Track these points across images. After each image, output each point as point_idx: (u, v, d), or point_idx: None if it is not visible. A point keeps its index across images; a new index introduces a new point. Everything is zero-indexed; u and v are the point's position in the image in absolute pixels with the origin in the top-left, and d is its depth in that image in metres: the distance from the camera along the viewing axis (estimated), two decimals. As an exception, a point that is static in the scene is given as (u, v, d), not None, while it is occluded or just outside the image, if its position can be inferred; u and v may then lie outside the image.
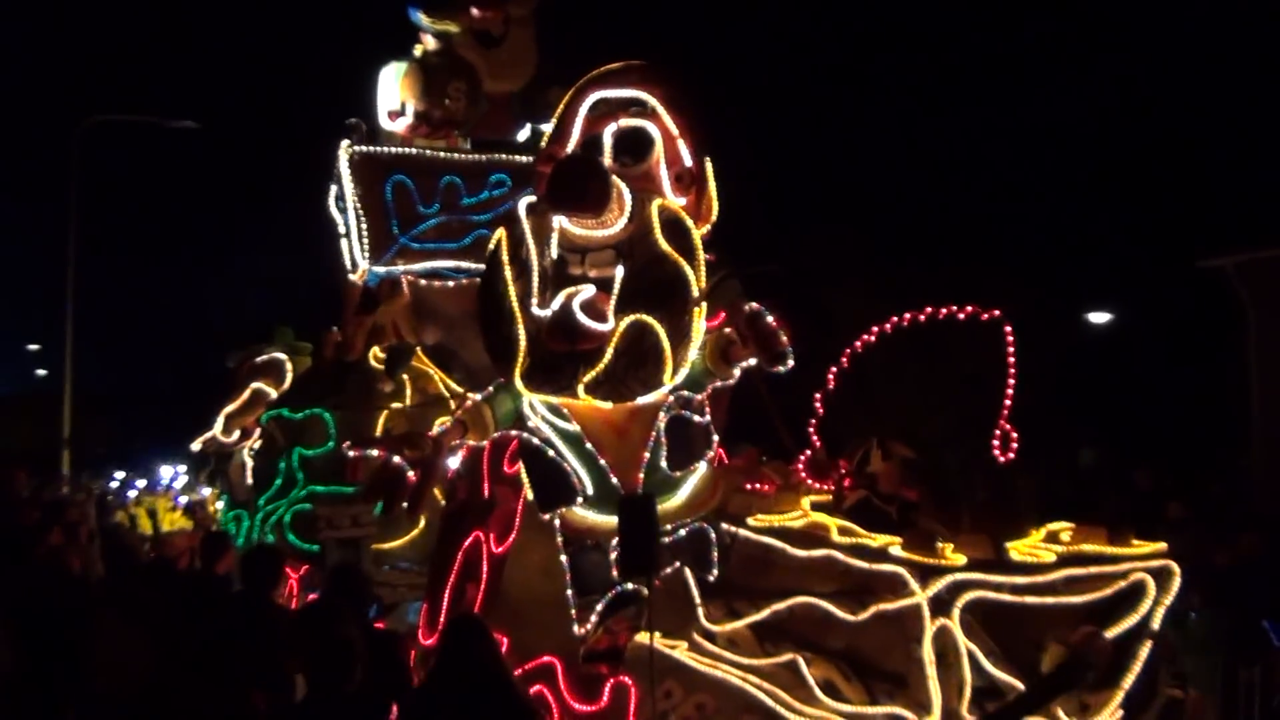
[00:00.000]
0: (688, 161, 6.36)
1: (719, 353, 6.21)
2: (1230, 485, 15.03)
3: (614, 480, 6.28)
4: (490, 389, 6.58)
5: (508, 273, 6.13)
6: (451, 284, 9.86)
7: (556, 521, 6.63)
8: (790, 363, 5.78)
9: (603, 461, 6.30)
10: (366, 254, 9.66)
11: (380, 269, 9.74)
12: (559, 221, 6.04)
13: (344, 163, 9.59)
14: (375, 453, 5.93)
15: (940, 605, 5.84)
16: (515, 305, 6.08)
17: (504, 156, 10.05)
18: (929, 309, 6.72)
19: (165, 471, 25.66)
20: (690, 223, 6.24)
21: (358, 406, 11.70)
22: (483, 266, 10.34)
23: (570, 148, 6.38)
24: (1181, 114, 24.46)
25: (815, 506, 7.24)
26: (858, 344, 7.07)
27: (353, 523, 11.31)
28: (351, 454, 6.00)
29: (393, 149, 9.91)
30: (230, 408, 13.74)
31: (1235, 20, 24.55)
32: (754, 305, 5.81)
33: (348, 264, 10.46)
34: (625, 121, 6.30)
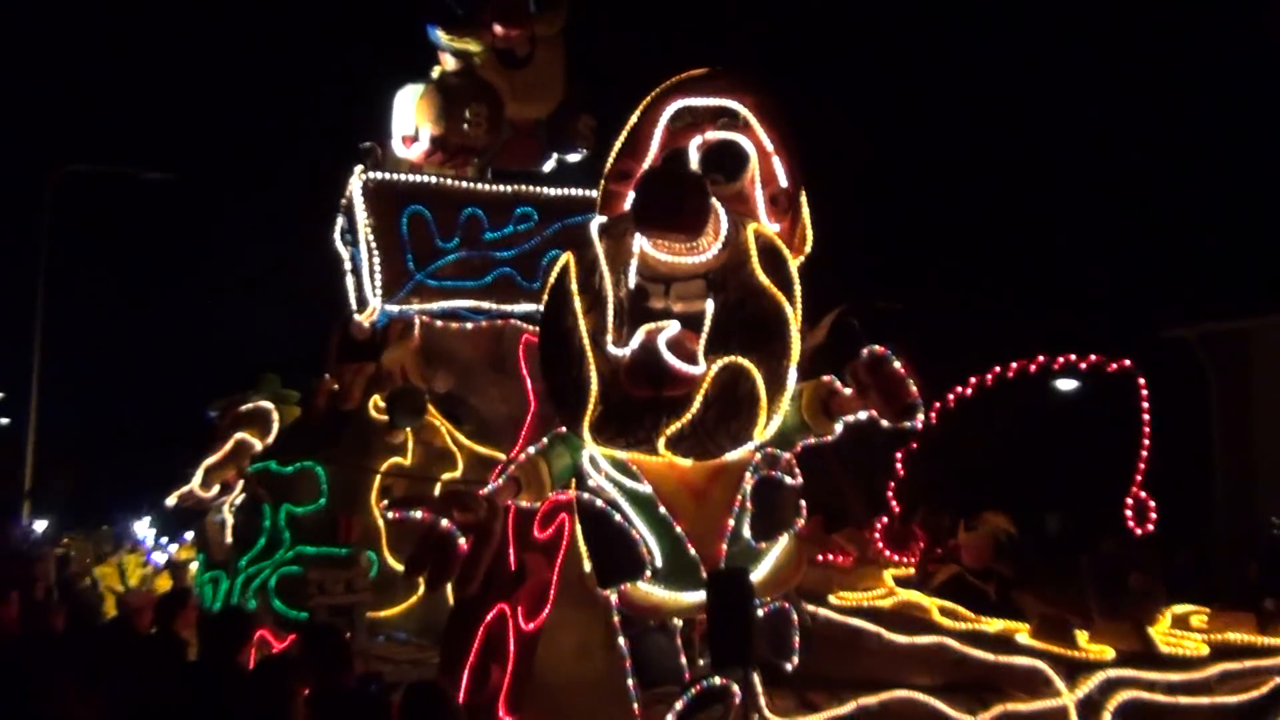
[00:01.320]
0: (783, 182, 5.40)
1: (818, 403, 5.23)
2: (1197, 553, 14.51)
3: (691, 552, 5.25)
4: (544, 441, 5.56)
5: (577, 304, 5.13)
6: (470, 326, 8.82)
7: (613, 598, 5.57)
8: (920, 417, 4.80)
9: (679, 529, 5.26)
10: (379, 291, 8.62)
11: (394, 308, 8.70)
12: (640, 245, 5.06)
13: (357, 190, 8.58)
14: (419, 515, 4.86)
15: (1090, 708, 4.85)
16: (587, 342, 5.08)
17: (530, 188, 9.06)
18: (1041, 358, 5.77)
19: (138, 527, 24.14)
20: (788, 252, 5.28)
21: (355, 460, 10.61)
22: (504, 307, 9.54)
23: (649, 161, 5.41)
24: (1145, 184, 24.14)
25: (898, 583, 6.27)
26: (950, 397, 6.10)
27: (346, 588, 10.16)
28: (391, 515, 4.90)
29: (411, 177, 8.89)
30: (211, 460, 12.54)
31: (1198, 95, 24.45)
32: (877, 348, 4.83)
33: (354, 303, 9.40)
34: (714, 134, 5.34)
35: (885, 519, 6.34)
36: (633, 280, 5.10)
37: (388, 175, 8.80)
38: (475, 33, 8.79)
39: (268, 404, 12.88)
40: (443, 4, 9.13)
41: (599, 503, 5.39)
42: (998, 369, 5.65)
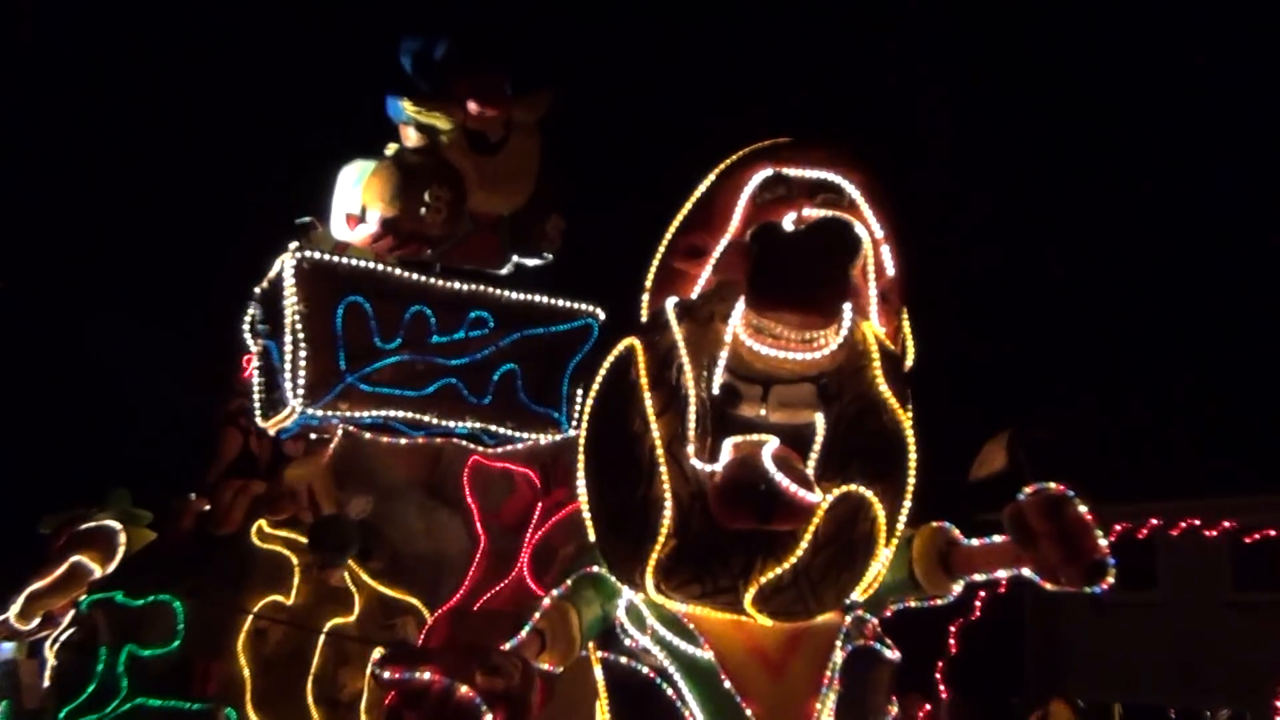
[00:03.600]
0: (890, 274, 4.28)
1: (935, 556, 4.01)
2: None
3: (766, 745, 3.87)
4: (569, 584, 4.15)
5: (648, 403, 3.82)
6: (404, 442, 7.30)
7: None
8: (1110, 580, 3.61)
9: (748, 712, 3.88)
10: (301, 392, 7.04)
11: (317, 412, 7.11)
12: (735, 332, 3.82)
13: (289, 270, 7.07)
14: (426, 676, 3.35)
15: None
16: (661, 453, 3.76)
17: (489, 290, 7.71)
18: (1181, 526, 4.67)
19: None
20: (903, 362, 4.14)
21: (224, 595, 8.73)
22: (446, 424, 8.02)
23: (730, 236, 4.21)
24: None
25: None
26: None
27: (202, 756, 8.16)
28: (386, 675, 3.34)
29: (355, 261, 7.43)
30: (38, 585, 10.41)
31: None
32: (1052, 486, 3.66)
33: (257, 407, 7.75)
34: (814, 211, 4.20)
35: (928, 706, 5.05)
36: (720, 378, 3.84)
37: (327, 256, 7.34)
38: (446, 107, 7.55)
39: (114, 523, 10.87)
40: (406, 75, 7.89)
41: (644, 671, 3.97)
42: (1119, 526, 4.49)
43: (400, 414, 7.23)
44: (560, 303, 7.97)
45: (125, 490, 11.34)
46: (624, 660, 4.04)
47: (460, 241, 7.73)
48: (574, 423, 8.03)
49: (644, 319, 4.35)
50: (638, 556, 3.78)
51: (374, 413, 7.17)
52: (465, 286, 7.63)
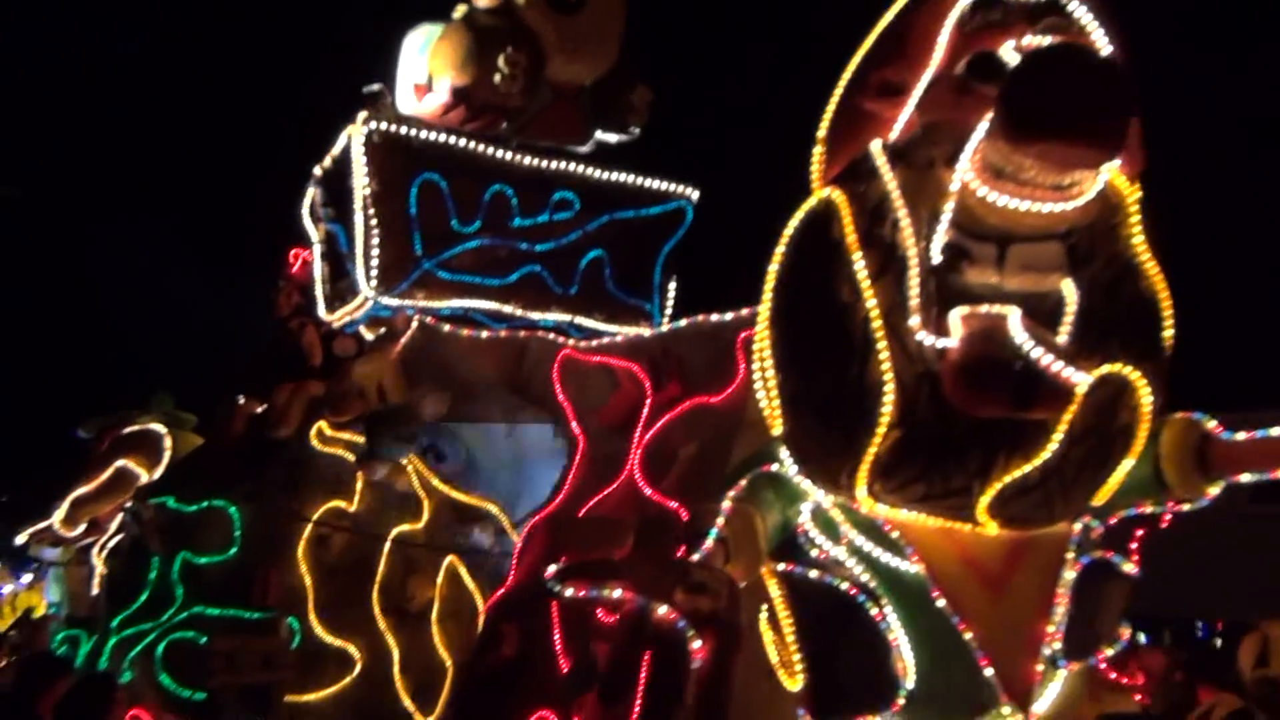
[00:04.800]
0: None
1: (1189, 453, 3.29)
2: None
3: (987, 671, 3.20)
4: (743, 486, 3.44)
5: (858, 266, 3.08)
6: (485, 335, 6.57)
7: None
8: None
9: (967, 636, 3.21)
10: (374, 279, 6.31)
11: (392, 301, 6.40)
12: (963, 179, 3.05)
13: (357, 145, 6.28)
14: (617, 593, 2.67)
15: None
16: (877, 325, 3.03)
17: (574, 168, 6.91)
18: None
19: None
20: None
21: (283, 501, 8.13)
22: (530, 315, 7.26)
23: (933, 69, 3.42)
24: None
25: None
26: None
27: (263, 664, 7.61)
28: (569, 592, 2.67)
29: (429, 134, 6.63)
30: (82, 490, 9.81)
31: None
32: None
33: (320, 300, 7.02)
34: (1037, 39, 3.39)
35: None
36: (944, 235, 3.08)
37: (400, 129, 6.53)
38: (521, -39, 6.67)
39: (159, 427, 10.25)
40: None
41: (842, 587, 3.28)
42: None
43: (481, 304, 6.50)
44: (651, 183, 7.18)
45: (168, 394, 10.71)
46: (814, 575, 3.35)
47: (538, 114, 6.90)
48: (666, 315, 7.33)
49: (818, 175, 3.57)
50: (849, 452, 3.08)
51: (453, 303, 6.44)
52: (549, 164, 6.83)
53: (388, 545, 7.90)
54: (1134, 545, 3.72)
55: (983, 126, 3.03)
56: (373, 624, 7.85)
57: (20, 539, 10.36)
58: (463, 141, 6.69)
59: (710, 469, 5.08)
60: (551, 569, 2.77)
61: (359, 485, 8.08)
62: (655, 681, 2.56)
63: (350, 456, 8.09)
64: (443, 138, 6.66)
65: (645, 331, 6.55)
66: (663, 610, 2.66)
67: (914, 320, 3.04)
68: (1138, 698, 4.65)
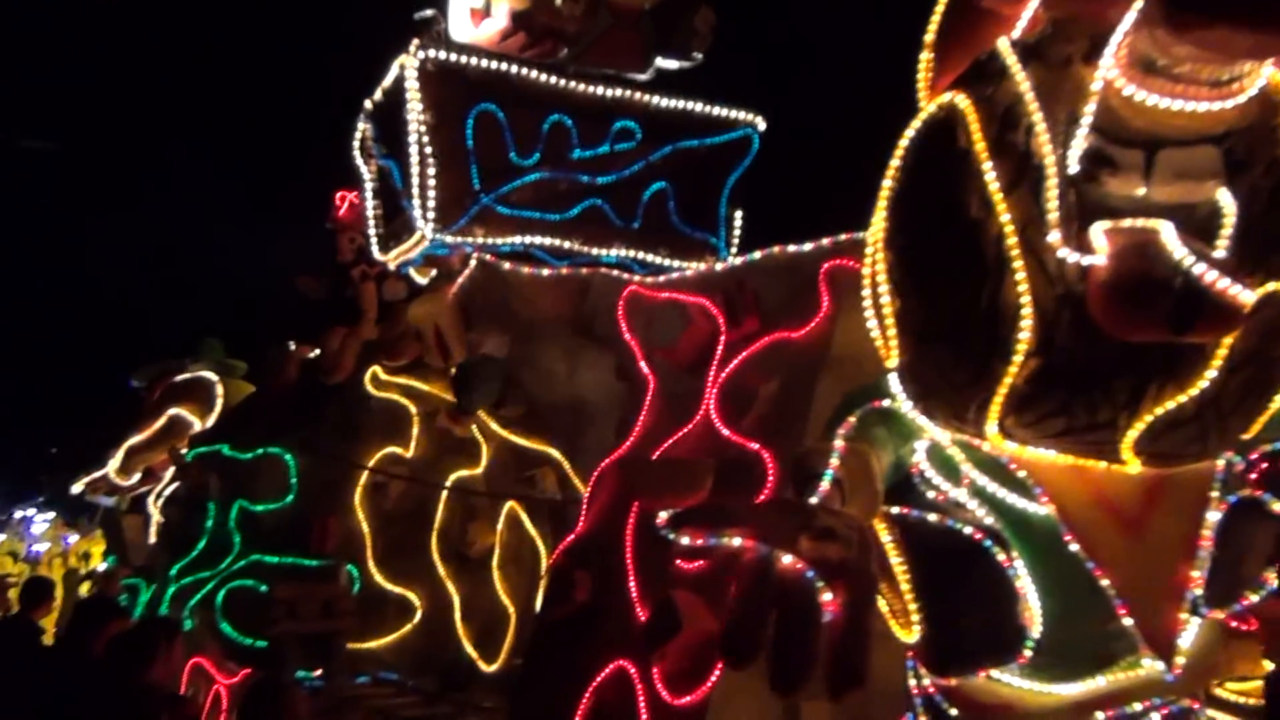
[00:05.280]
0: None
1: None
2: None
3: (1125, 621, 2.91)
4: (852, 421, 3.15)
5: (990, 177, 2.75)
6: (546, 273, 6.30)
7: (925, 683, 3.23)
8: None
9: (1104, 583, 2.91)
10: (431, 215, 6.03)
11: (448, 238, 6.12)
12: (1105, 77, 2.70)
13: (411, 75, 5.96)
14: (736, 541, 2.40)
15: None
16: (1012, 241, 2.71)
17: (636, 96, 6.55)
18: None
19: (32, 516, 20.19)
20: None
21: (339, 448, 7.97)
22: (592, 251, 6.97)
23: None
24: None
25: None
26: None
27: (324, 611, 7.50)
28: (684, 540, 2.40)
29: (485, 62, 6.29)
30: (136, 439, 9.76)
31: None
32: None
33: (373, 239, 6.76)
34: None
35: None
36: (1084, 141, 2.74)
37: (454, 57, 6.20)
38: (577, -125, 6.29)
39: (210, 374, 10.15)
40: None
41: (966, 531, 3.00)
42: None
43: (542, 240, 6.21)
44: (715, 110, 6.82)
45: (218, 341, 10.60)
46: (932, 518, 3.06)
47: (596, 40, 6.55)
48: (732, 249, 7.01)
49: (926, 86, 3.22)
50: (980, 384, 2.77)
51: (512, 239, 6.15)
52: (609, 92, 6.49)
53: (445, 492, 7.73)
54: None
55: (1130, 16, 2.67)
56: (432, 571, 7.70)
57: (77, 488, 10.35)
58: (520, 69, 6.36)
59: (792, 408, 4.80)
60: (664, 515, 2.49)
61: (415, 431, 7.90)
62: (783, 639, 2.29)
63: (405, 401, 7.90)
64: (500, 66, 6.33)
65: (715, 266, 6.24)
66: (787, 559, 2.38)
67: (1053, 236, 2.70)
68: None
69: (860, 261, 5.06)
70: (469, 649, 7.51)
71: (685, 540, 2.42)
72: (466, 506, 7.75)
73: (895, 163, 3.03)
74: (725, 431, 4.97)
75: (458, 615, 7.62)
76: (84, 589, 8.87)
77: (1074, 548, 2.96)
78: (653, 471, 5.08)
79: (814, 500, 2.77)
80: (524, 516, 7.45)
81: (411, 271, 8.53)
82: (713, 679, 4.40)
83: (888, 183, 3.04)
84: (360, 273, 8.20)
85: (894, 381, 3.13)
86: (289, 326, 9.52)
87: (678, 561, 4.77)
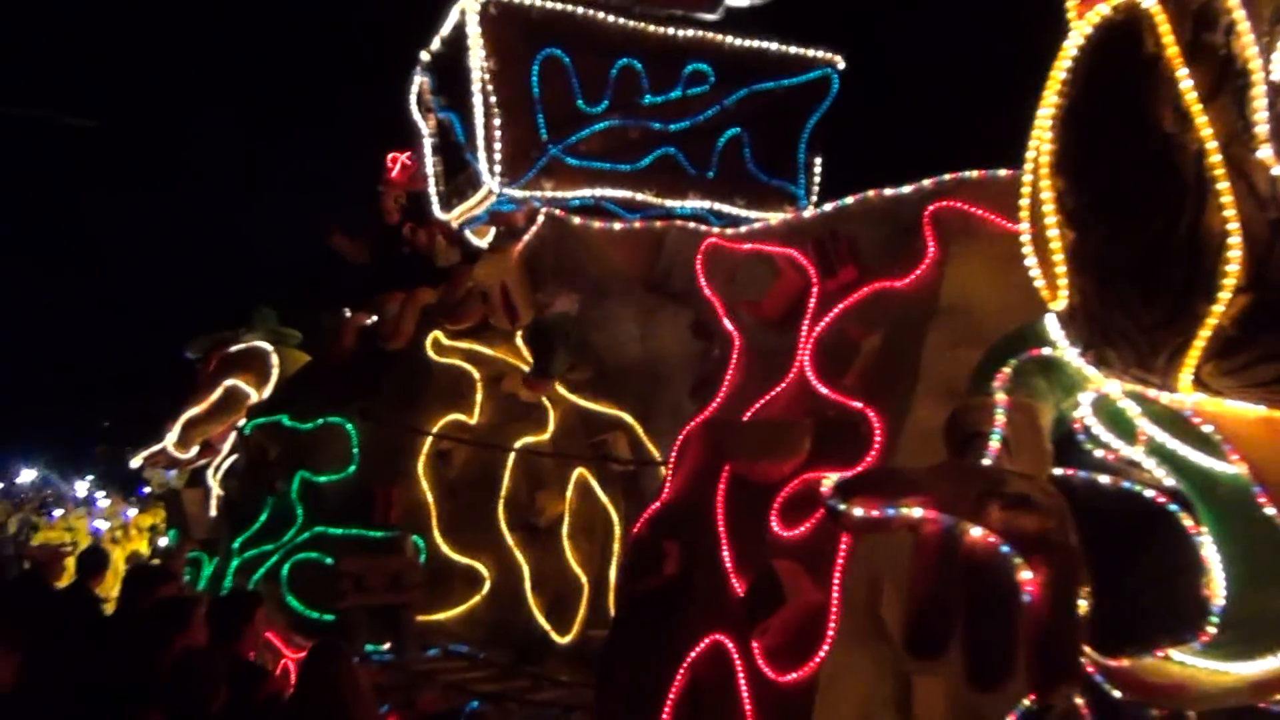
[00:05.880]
0: None
1: None
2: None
3: (1322, 596, 2.54)
4: (1007, 373, 2.78)
5: (1184, 85, 2.35)
6: (618, 226, 5.92)
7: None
8: None
9: (1304, 550, 2.53)
10: (498, 167, 5.68)
11: (516, 193, 5.77)
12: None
13: (472, 19, 5.59)
14: (917, 511, 2.05)
15: None
16: (1214, 159, 2.32)
17: (708, 35, 6.15)
18: None
19: (80, 489, 20.25)
20: None
21: (400, 416, 7.69)
22: (666, 203, 6.60)
23: None
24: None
25: None
26: None
27: (392, 584, 7.26)
28: (857, 512, 2.06)
29: (550, 3, 5.90)
30: (193, 411, 9.55)
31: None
32: None
33: (435, 199, 6.42)
34: None
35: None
36: (1290, 46, 2.34)
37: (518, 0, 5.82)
38: None
39: (265, 344, 9.91)
40: None
41: (1147, 494, 2.62)
42: None
43: (612, 192, 5.84)
44: (792, 50, 6.38)
45: (271, 309, 10.34)
46: (1104, 480, 2.69)
47: (664, -21, 6.14)
48: (812, 197, 6.60)
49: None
50: (1175, 325, 2.40)
51: (582, 192, 5.79)
52: (680, 33, 6.08)
53: (511, 459, 7.43)
54: None
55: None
56: (500, 541, 7.42)
57: (135, 462, 10.18)
58: (586, 11, 5.96)
59: (899, 362, 4.43)
60: (828, 484, 2.15)
61: (479, 397, 7.61)
62: (978, 626, 1.95)
63: (468, 366, 7.60)
64: (564, 7, 5.93)
65: (802, 215, 5.84)
66: (976, 532, 2.03)
67: (1264, 151, 2.32)
68: None
69: (969, 202, 4.65)
70: (541, 620, 7.25)
71: (858, 512, 2.08)
72: (533, 474, 7.46)
73: (1062, 76, 2.64)
74: (823, 389, 4.61)
75: (528, 586, 7.35)
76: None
77: (1269, 511, 2.59)
78: (746, 434, 4.74)
79: (985, 462, 2.42)
80: (594, 484, 7.14)
81: (468, 233, 8.22)
82: (820, 655, 4.07)
83: (1052, 100, 2.65)
84: (410, 229, 7.88)
85: (1056, 326, 2.76)
86: (340, 294, 9.26)
87: (775, 528, 4.44)
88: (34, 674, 4.42)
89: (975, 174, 4.50)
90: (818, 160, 6.42)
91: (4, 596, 8.32)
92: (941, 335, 4.27)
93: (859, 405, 4.38)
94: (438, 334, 7.49)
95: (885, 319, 4.49)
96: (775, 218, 6.05)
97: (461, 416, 7.63)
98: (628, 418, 6.67)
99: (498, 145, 5.68)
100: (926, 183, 4.63)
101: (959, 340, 4.36)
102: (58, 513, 15.40)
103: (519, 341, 7.07)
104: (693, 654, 4.53)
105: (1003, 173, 4.50)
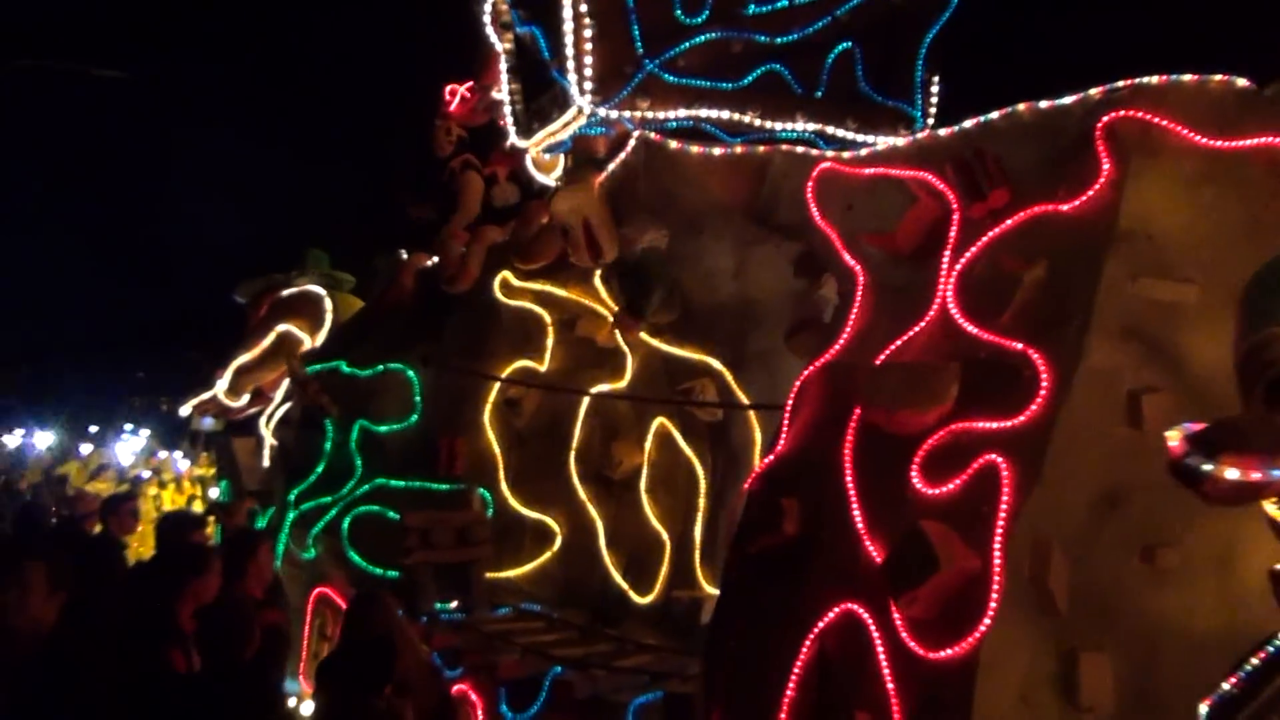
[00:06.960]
0: None
1: None
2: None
3: None
4: (1249, 298, 2.17)
5: None
6: (718, 152, 5.30)
7: None
8: None
9: None
10: (589, 85, 5.08)
11: (610, 113, 5.17)
12: None
13: (560, -81, 4.99)
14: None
15: None
16: None
17: (815, -64, 5.51)
18: None
19: (121, 449, 19.87)
20: None
21: (466, 362, 7.17)
22: (771, 125, 5.94)
23: None
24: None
25: None
26: None
27: (459, 539, 6.78)
28: (1234, 474, 1.49)
29: None
30: (244, 358, 9.08)
31: None
32: None
33: (512, 124, 5.83)
34: None
35: None
36: None
37: (603, -102, 5.20)
38: None
39: (318, 288, 9.39)
40: None
41: None
42: None
43: (713, 113, 5.22)
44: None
45: (323, 251, 9.81)
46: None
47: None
48: (929, 120, 5.96)
49: None
50: None
51: (680, 112, 5.18)
52: (787, -65, 5.45)
53: (584, 406, 6.89)
54: None
55: None
56: (572, 494, 6.90)
57: (184, 411, 9.74)
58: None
59: (1069, 297, 3.83)
60: (1177, 439, 1.58)
61: (549, 341, 7.06)
62: None
63: (539, 309, 7.05)
64: (655, -92, 5.31)
65: (938, 133, 5.20)
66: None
67: None
68: None
69: (1150, 112, 3.96)
70: (618, 579, 6.74)
71: (1231, 474, 1.52)
72: (608, 424, 6.92)
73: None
74: (972, 329, 4.01)
75: (602, 542, 6.84)
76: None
77: None
78: (880, 379, 4.15)
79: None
80: (677, 434, 6.58)
81: (531, 168, 7.63)
82: (981, 629, 3.52)
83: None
84: (462, 163, 7.29)
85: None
86: (396, 236, 8.74)
87: (918, 485, 3.88)
88: (72, 616, 4.34)
89: (1155, 80, 3.86)
90: (935, 79, 5.76)
91: (49, 540, 7.98)
92: (1120, 265, 3.68)
93: (1019, 346, 3.79)
94: (506, 274, 6.94)
95: (1048, 248, 3.87)
96: (888, 142, 5.40)
97: (531, 363, 7.09)
98: (716, 364, 6.09)
99: (589, 60, 5.06)
100: (1093, 92, 3.99)
101: (1141, 270, 3.78)
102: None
103: (596, 282, 6.48)
104: (820, 623, 4.00)
105: (1187, 77, 3.88)
